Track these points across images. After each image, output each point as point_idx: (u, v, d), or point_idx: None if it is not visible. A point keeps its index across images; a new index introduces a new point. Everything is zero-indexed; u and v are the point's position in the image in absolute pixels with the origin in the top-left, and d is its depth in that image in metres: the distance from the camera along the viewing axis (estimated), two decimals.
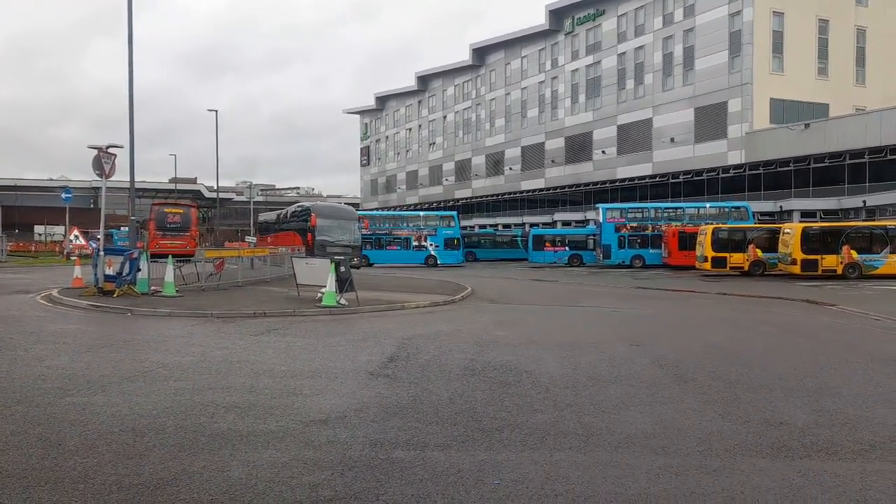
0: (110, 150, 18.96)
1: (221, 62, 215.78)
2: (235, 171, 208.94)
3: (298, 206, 39.41)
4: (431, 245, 44.35)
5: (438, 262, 43.91)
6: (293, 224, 37.60)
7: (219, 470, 5.00)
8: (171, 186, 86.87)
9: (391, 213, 54.32)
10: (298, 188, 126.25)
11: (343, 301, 16.40)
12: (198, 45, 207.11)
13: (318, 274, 16.93)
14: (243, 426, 6.14)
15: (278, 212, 44.45)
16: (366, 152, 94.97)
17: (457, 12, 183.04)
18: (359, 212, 55.00)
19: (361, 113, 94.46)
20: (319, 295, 16.55)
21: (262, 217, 49.56)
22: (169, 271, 18.49)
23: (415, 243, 44.64)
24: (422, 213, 49.59)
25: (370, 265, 43.22)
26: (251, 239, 52.12)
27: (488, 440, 5.82)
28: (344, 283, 16.63)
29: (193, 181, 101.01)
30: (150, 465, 5.09)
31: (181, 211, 38.72)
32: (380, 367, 8.97)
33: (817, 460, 5.38)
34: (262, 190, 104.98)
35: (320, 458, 5.31)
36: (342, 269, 16.71)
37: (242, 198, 72.07)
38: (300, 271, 17.94)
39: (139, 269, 18.47)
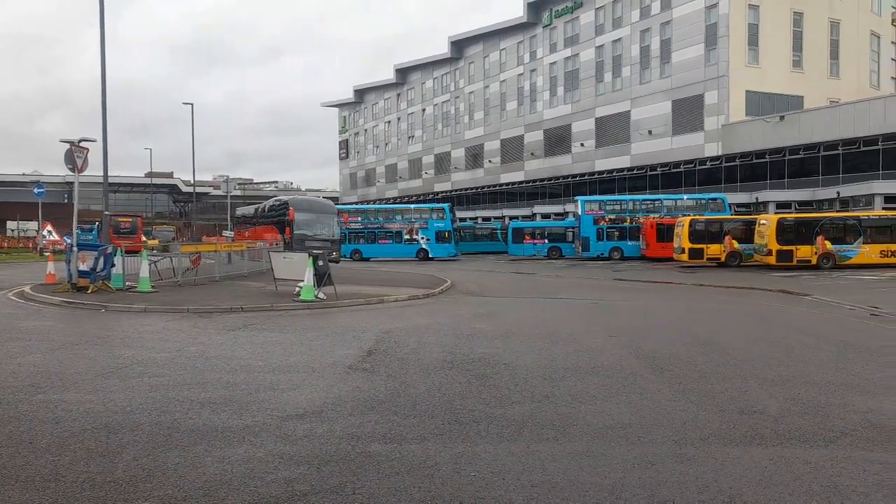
0: (82, 144, 18.66)
1: (213, 54, 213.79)
2: (219, 165, 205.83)
3: (276, 200, 39.16)
4: (423, 238, 43.89)
5: (430, 255, 43.48)
6: (271, 218, 37.35)
7: (193, 466, 4.96)
8: (147, 181, 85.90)
9: (384, 206, 53.74)
10: (276, 182, 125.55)
11: (321, 295, 16.33)
12: (189, 37, 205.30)
13: (296, 268, 16.84)
14: (219, 422, 6.10)
15: (256, 206, 44.10)
16: (344, 146, 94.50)
17: (459, 3, 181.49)
18: (350, 206, 54.46)
19: (340, 106, 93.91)
20: (297, 289, 16.46)
21: (240, 211, 49.13)
22: (144, 266, 18.27)
23: (406, 237, 44.23)
24: (413, 206, 49.09)
25: (364, 259, 43.28)
26: (228, 233, 51.79)
27: (465, 433, 5.83)
28: (322, 278, 16.57)
29: (170, 175, 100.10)
30: (123, 463, 5.04)
31: (130, 220, 51.40)
32: (358, 361, 8.95)
33: (789, 448, 5.46)
34: (239, 184, 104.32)
35: (296, 452, 5.29)
36: (320, 263, 16.65)
37: (220, 192, 71.43)
38: (278, 266, 17.83)
39: (114, 265, 18.24)
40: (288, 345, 10.38)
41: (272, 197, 49.34)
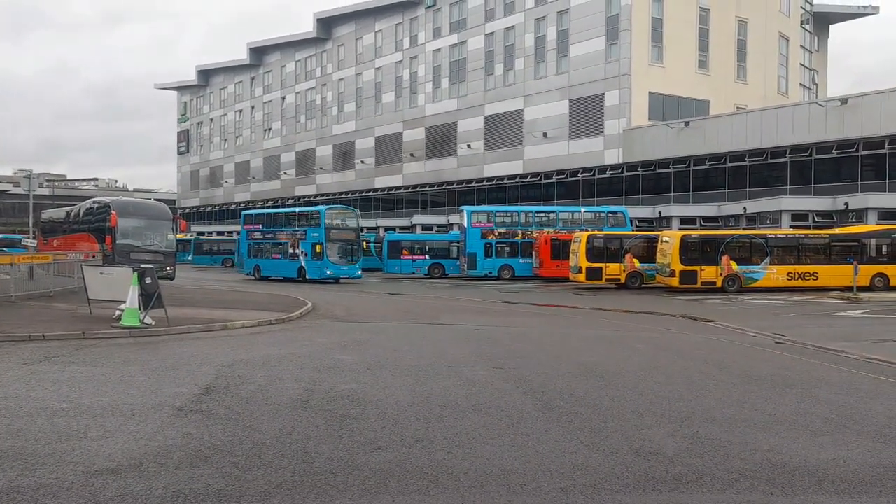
0: None
1: (24, 14, 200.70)
2: (28, 156, 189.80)
3: (95, 202, 37.32)
4: (302, 253, 41.03)
5: (307, 275, 40.47)
6: (88, 224, 35.57)
7: None
8: None
9: (282, 209, 50.93)
10: (97, 180, 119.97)
11: (148, 320, 15.74)
12: None
13: (117, 286, 16.19)
14: (5, 481, 5.74)
15: (69, 209, 41.81)
16: (185, 137, 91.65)
17: None
18: (255, 210, 51.46)
19: (180, 89, 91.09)
20: (118, 313, 15.82)
21: (47, 214, 46.36)
22: None
23: (290, 251, 41.96)
24: (297, 210, 46.50)
25: (263, 278, 42.08)
26: (30, 242, 48.91)
27: (320, 486, 5.77)
28: (150, 299, 15.95)
29: None
30: None
31: None
32: (191, 402, 8.67)
33: (685, 493, 5.77)
34: (48, 180, 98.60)
35: None
36: (147, 280, 16.00)
37: (20, 190, 67.26)
38: (93, 283, 17.10)
39: None
40: (102, 382, 9.91)
41: (90, 198, 46.95)
